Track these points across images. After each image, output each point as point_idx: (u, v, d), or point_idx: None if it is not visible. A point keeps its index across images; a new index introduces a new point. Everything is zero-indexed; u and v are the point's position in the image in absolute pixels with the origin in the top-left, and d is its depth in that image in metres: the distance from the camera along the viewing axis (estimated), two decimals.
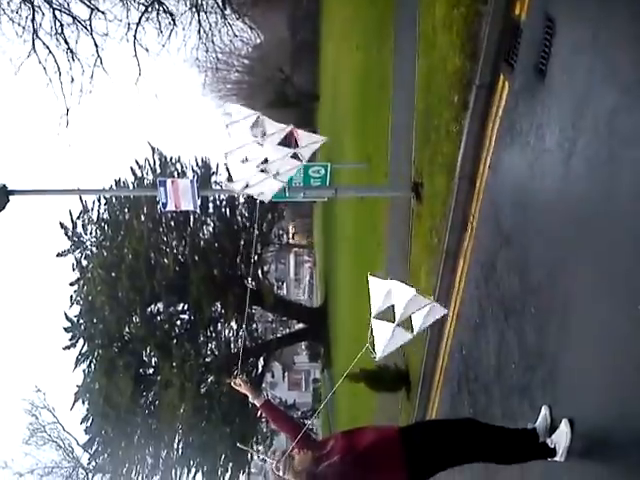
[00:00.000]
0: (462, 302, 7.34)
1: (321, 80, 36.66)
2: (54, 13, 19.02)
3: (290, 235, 37.29)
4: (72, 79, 20.21)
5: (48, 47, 19.23)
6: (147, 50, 23.00)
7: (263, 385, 32.17)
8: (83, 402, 25.55)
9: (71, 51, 19.98)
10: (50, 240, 25.90)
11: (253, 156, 5.57)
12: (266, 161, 5.38)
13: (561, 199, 4.87)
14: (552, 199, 5.06)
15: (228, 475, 28.60)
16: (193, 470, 27.58)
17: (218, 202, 26.12)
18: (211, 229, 26.51)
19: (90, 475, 26.15)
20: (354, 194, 10.62)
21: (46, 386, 25.39)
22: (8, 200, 8.37)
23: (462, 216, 7.28)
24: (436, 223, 8.05)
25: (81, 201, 23.67)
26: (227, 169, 8.00)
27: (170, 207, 10.26)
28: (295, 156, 5.51)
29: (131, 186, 23.97)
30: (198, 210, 10.25)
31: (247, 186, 5.55)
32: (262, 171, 5.48)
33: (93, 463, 25.86)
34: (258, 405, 4.63)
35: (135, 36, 21.41)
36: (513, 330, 5.61)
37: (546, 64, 5.38)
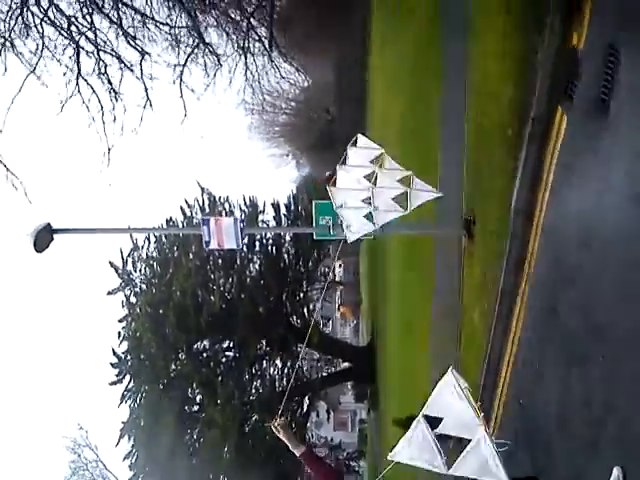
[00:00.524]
0: (520, 347, 6.90)
1: (367, 121, 36.90)
2: (98, 53, 19.60)
3: (334, 277, 37.20)
4: (114, 118, 20.61)
5: (92, 87, 19.65)
6: (193, 91, 23.32)
7: (308, 424, 31.52)
8: (128, 438, 25.57)
9: (114, 91, 20.41)
10: (101, 278, 26.48)
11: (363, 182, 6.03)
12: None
13: (630, 238, 4.51)
14: (619, 238, 4.70)
15: None
16: None
17: (264, 240, 26.22)
18: (257, 267, 26.55)
19: None
20: (402, 232, 10.30)
21: (89, 424, 25.52)
22: (52, 239, 8.47)
23: (519, 255, 6.92)
24: (490, 262, 7.68)
25: (132, 239, 24.18)
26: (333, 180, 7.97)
27: (213, 245, 10.25)
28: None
29: (181, 225, 24.36)
30: (241, 248, 10.19)
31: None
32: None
33: None
34: (298, 455, 4.31)
35: (181, 77, 21.84)
36: (578, 379, 5.18)
37: (609, 96, 5.09)
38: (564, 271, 5.76)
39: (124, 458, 25.36)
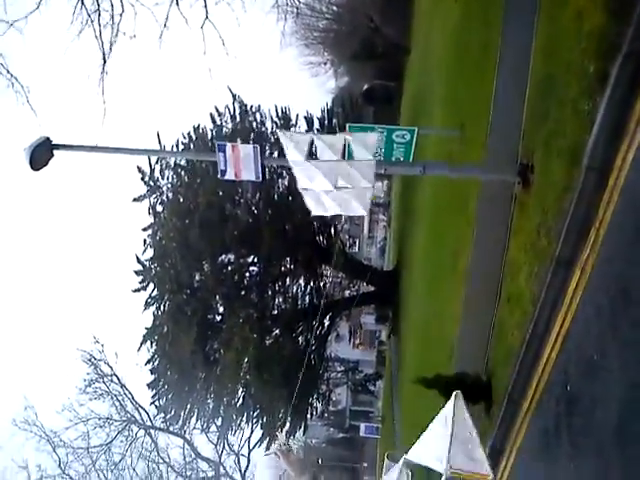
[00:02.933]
0: (573, 324, 6.01)
1: (413, 33, 34.20)
2: None
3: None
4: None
5: None
6: None
7: (330, 338, 31.68)
8: (151, 343, 25.97)
9: None
10: (128, 185, 25.81)
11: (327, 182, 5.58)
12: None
13: None
14: None
15: (285, 428, 28.68)
16: (252, 420, 27.71)
17: None
18: (286, 182, 25.64)
19: (144, 432, 26.52)
20: (446, 174, 9.21)
21: (105, 337, 25.85)
22: (52, 155, 7.63)
23: (585, 218, 5.86)
24: (547, 220, 6.64)
25: (160, 144, 23.29)
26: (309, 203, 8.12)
27: (229, 176, 9.10)
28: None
29: (209, 133, 23.36)
30: (260, 180, 9.22)
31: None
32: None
33: (157, 403, 26.37)
34: None
35: None
36: None
37: None
38: None
39: (146, 362, 25.88)
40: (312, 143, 7.82)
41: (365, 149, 7.63)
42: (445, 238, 14.56)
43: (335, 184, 7.73)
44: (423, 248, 20.28)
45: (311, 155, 7.81)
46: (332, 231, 27.79)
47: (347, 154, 8.40)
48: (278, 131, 8.94)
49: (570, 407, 5.79)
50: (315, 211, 8.45)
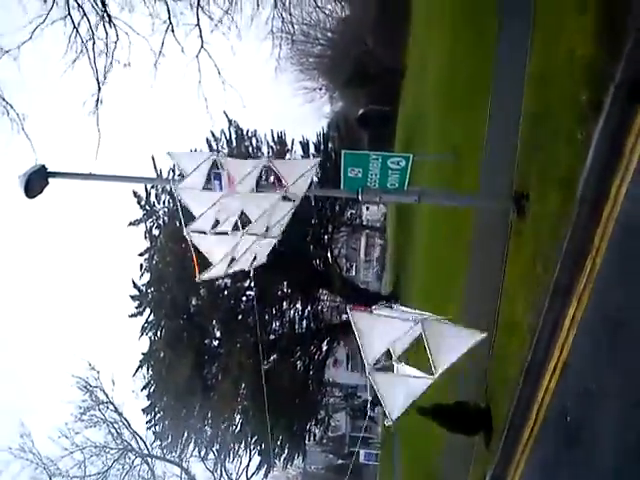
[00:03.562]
0: (571, 353, 5.96)
1: (408, 57, 34.62)
2: None
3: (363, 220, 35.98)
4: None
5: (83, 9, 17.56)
6: (211, 18, 20.16)
7: (327, 363, 31.41)
8: (147, 369, 25.74)
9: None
10: (123, 210, 25.82)
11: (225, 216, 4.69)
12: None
13: None
14: None
15: (284, 455, 28.36)
16: (250, 447, 27.39)
17: None
18: None
19: (141, 460, 26.11)
20: (441, 202, 9.17)
21: (102, 362, 25.51)
22: (47, 183, 7.62)
23: (581, 247, 5.86)
24: (543, 249, 6.63)
25: (155, 170, 23.35)
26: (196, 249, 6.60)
27: None
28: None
29: None
30: None
31: (233, 261, 4.71)
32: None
33: (153, 429, 26.06)
34: None
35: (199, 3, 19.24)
36: None
37: None
38: (639, 278, 4.74)
39: (142, 388, 25.61)
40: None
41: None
42: (441, 265, 14.53)
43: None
44: (419, 274, 20.25)
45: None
46: (329, 255, 27.77)
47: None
48: (168, 152, 7.95)
49: (570, 438, 5.72)
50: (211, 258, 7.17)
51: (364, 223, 36.94)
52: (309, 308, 27.62)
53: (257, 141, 24.27)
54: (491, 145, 9.81)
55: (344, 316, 31.25)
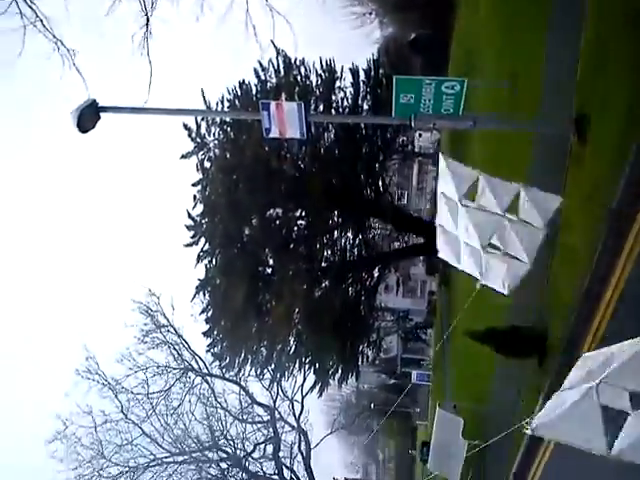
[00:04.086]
0: (633, 271, 5.74)
1: None
2: None
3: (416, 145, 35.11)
4: None
5: None
6: None
7: (379, 289, 31.85)
8: (204, 294, 26.85)
9: None
10: (174, 143, 26.12)
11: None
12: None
13: None
14: None
15: (337, 375, 29.43)
16: (305, 367, 28.48)
17: (341, 107, 24.78)
18: (332, 135, 25.42)
19: (201, 379, 27.45)
20: (498, 127, 8.83)
21: (161, 290, 26.58)
22: (99, 117, 7.79)
23: None
24: (605, 173, 6.33)
25: (205, 102, 23.43)
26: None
27: (274, 134, 9.09)
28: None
29: (254, 89, 23.29)
30: (305, 137, 9.13)
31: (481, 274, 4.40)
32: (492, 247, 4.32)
33: (212, 351, 27.43)
34: None
35: None
36: None
37: None
38: None
39: (200, 312, 26.86)
40: (475, 182, 6.46)
41: (539, 213, 6.07)
42: None
43: (485, 243, 6.00)
44: None
45: (466, 196, 6.52)
46: (380, 184, 27.58)
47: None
48: (440, 155, 7.54)
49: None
50: (442, 253, 7.36)
51: (416, 150, 36.20)
52: (360, 237, 27.77)
53: (306, 70, 23.81)
54: (550, 68, 9.24)
55: (395, 244, 31.40)
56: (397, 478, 58.97)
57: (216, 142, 24.40)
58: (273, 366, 28.71)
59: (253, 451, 28.06)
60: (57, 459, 24.31)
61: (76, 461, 24.60)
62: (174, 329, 26.94)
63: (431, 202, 41.04)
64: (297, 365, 28.73)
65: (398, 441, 55.97)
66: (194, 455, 27.39)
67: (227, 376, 28.07)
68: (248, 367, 27.80)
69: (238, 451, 28.05)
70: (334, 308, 26.58)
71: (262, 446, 28.41)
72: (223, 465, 27.70)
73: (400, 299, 39.44)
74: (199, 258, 25.76)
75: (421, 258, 32.28)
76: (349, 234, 27.70)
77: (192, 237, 25.31)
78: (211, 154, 24.51)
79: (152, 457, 26.29)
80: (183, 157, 24.02)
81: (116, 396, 25.64)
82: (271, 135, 9.40)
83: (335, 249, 27.90)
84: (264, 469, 28.45)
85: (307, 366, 28.75)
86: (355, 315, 28.43)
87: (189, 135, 23.71)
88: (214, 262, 25.90)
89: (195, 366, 27.29)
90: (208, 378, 27.62)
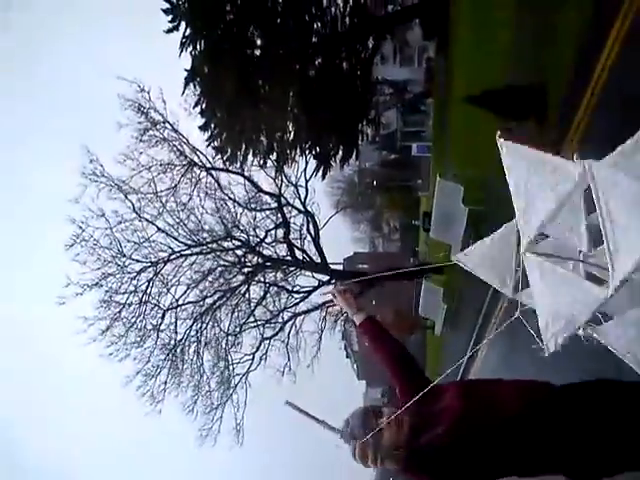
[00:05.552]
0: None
1: None
2: None
3: None
4: None
5: None
6: None
7: (375, 61, 30.34)
8: (194, 85, 25.65)
9: None
10: None
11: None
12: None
13: None
14: None
15: (339, 156, 29.44)
16: (306, 152, 28.35)
17: None
18: None
19: (206, 173, 27.17)
20: None
21: (149, 85, 24.63)
22: None
23: None
24: None
25: None
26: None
27: None
28: None
29: None
30: None
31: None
32: None
33: (212, 145, 27.01)
34: (358, 323, 3.21)
35: None
36: None
37: None
38: None
39: (194, 106, 25.87)
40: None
41: None
42: None
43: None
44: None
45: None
46: None
47: None
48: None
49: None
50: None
51: None
52: (351, 2, 25.54)
53: None
54: None
55: (389, 7, 29.03)
56: (402, 248, 62.76)
57: None
58: (274, 154, 28.47)
59: (265, 237, 29.11)
60: (80, 262, 25.21)
61: (98, 261, 25.61)
62: (170, 124, 26.14)
63: None
64: (298, 150, 28.50)
65: (401, 214, 58.41)
66: (210, 246, 28.52)
67: (230, 168, 28.03)
68: (250, 157, 27.58)
69: (251, 238, 29.12)
70: (329, 86, 25.51)
71: (273, 232, 29.38)
72: (239, 252, 29.00)
73: (397, 69, 37.70)
74: (182, 45, 24.06)
75: (417, 21, 29.96)
76: (339, 0, 25.46)
77: (171, 21, 23.34)
78: None
79: (171, 251, 27.33)
80: None
81: (126, 197, 25.77)
82: None
83: (325, 19, 25.84)
84: (277, 252, 29.79)
85: (308, 150, 28.56)
86: (352, 92, 27.38)
87: None
88: (199, 48, 24.21)
89: (197, 161, 27.04)
90: (212, 172, 27.56)
